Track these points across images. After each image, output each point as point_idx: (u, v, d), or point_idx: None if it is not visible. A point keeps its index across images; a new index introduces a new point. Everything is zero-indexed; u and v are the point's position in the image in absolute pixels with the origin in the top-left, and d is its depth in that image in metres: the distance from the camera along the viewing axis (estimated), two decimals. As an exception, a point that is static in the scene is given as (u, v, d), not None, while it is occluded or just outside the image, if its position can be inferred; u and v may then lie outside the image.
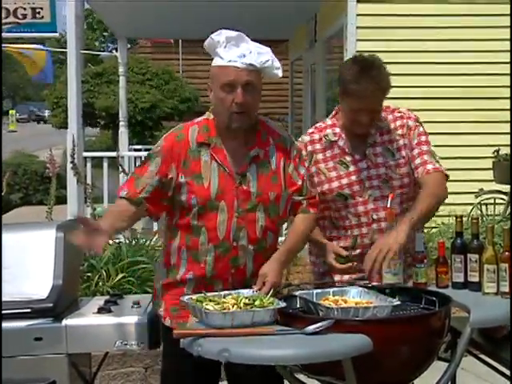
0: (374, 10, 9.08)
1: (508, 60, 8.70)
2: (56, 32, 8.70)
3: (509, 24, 8.47)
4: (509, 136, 7.79)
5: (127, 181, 3.40)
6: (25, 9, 8.36)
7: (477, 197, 8.51)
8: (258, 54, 3.26)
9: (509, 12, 8.43)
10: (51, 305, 3.32)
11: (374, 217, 3.67)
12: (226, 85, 3.21)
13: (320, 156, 3.72)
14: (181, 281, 3.32)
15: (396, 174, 3.68)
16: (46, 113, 53.41)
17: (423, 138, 3.70)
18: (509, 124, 8.10)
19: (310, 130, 3.82)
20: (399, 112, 3.77)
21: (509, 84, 8.20)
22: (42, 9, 8.32)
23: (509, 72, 8.46)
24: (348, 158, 3.70)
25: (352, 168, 3.69)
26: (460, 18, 8.99)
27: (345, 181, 3.67)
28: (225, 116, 3.26)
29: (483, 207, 8.64)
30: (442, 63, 8.75)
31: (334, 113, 3.82)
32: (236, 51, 3.24)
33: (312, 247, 3.88)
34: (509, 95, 8.30)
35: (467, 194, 8.21)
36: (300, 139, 3.80)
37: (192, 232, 3.29)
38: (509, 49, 8.62)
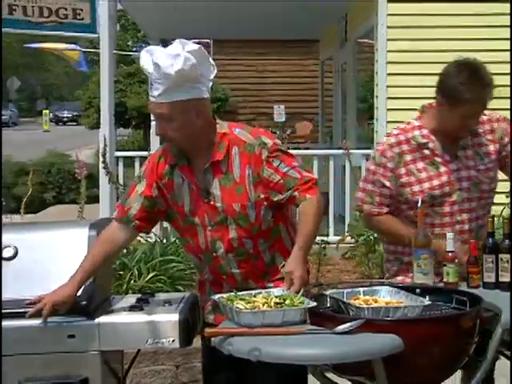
0: (404, 10, 9.04)
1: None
2: (95, 33, 8.85)
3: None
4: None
5: (119, 202, 3.66)
6: (66, 9, 8.57)
7: (508, 196, 8.43)
8: (164, 77, 3.20)
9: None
10: (84, 303, 3.33)
11: (458, 218, 3.67)
12: None
13: (409, 157, 3.68)
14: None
15: (486, 178, 3.71)
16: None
17: None
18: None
19: (395, 132, 3.77)
20: (485, 115, 3.73)
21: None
22: (82, 10, 8.52)
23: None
24: (438, 160, 3.68)
25: (443, 169, 3.67)
26: (493, 18, 8.92)
27: (435, 182, 3.65)
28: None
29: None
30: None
31: (418, 114, 3.79)
32: (149, 83, 3.28)
33: (389, 245, 3.89)
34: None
35: (498, 194, 8.12)
36: (384, 141, 3.80)
37: (186, 244, 3.55)
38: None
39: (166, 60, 3.18)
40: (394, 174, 3.68)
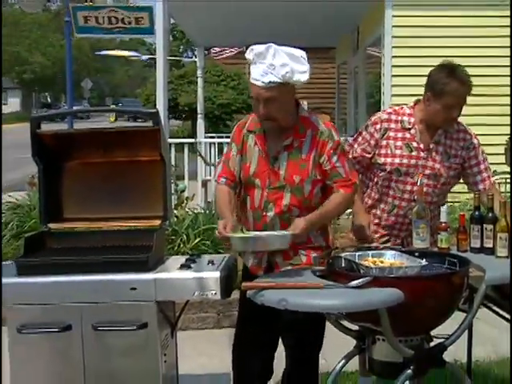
0: (407, 22, 8.95)
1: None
2: (153, 34, 9.02)
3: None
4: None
5: (222, 168, 3.52)
6: (129, 17, 8.76)
7: (492, 176, 8.35)
8: (281, 67, 3.15)
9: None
10: (145, 261, 3.36)
11: (415, 197, 3.66)
12: (253, 98, 3.28)
13: (392, 134, 3.72)
14: None
15: (445, 174, 3.70)
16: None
17: (485, 155, 3.81)
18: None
19: (389, 110, 3.82)
20: (463, 126, 3.78)
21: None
22: (142, 18, 8.69)
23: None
24: (414, 144, 3.70)
25: (414, 153, 3.69)
26: (483, 29, 8.83)
27: (405, 160, 3.68)
28: (259, 119, 3.35)
29: (497, 186, 8.49)
30: (466, 66, 8.59)
31: (412, 104, 3.80)
32: (260, 69, 3.19)
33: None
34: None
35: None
36: (378, 115, 3.82)
37: (243, 200, 3.46)
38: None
39: (279, 67, 3.14)
40: (376, 143, 3.73)
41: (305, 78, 3.19)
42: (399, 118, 3.74)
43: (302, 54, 3.23)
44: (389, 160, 3.69)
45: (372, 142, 3.75)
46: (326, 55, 17.79)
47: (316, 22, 11.42)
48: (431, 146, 3.70)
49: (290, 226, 3.24)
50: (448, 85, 3.54)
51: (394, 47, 9.00)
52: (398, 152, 3.69)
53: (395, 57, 8.96)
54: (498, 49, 8.73)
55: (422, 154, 3.69)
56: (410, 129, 3.71)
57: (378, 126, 3.74)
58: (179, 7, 9.78)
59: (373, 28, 10.27)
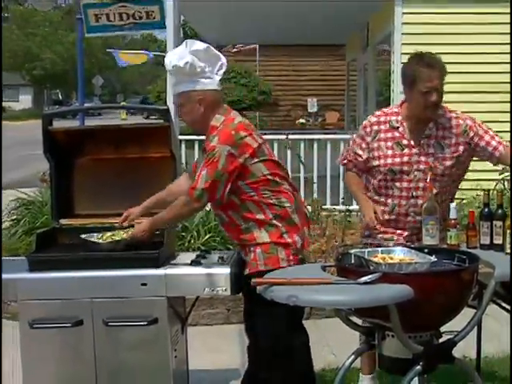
0: (416, 20, 8.95)
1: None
2: (165, 28, 9.00)
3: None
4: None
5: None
6: (140, 12, 8.75)
7: (500, 174, 8.33)
8: (169, 72, 3.33)
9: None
10: (155, 257, 3.37)
11: (414, 193, 3.66)
12: None
13: (383, 135, 3.72)
14: None
15: (441, 165, 3.66)
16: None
17: (485, 127, 3.70)
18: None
19: (378, 113, 3.83)
20: (455, 113, 3.73)
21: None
22: (153, 12, 8.69)
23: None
24: (404, 142, 3.69)
25: (406, 151, 3.68)
26: (490, 26, 8.80)
27: (397, 159, 3.67)
28: None
29: (506, 182, 8.46)
30: (473, 63, 8.59)
31: (400, 103, 3.80)
32: None
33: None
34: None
35: (492, 172, 8.04)
36: (368, 118, 3.83)
37: None
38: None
39: (166, 58, 3.31)
40: (368, 147, 3.75)
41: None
42: (387, 118, 3.75)
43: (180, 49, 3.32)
44: (382, 162, 3.70)
45: (363, 146, 3.77)
46: (336, 52, 17.79)
47: (326, 20, 11.43)
48: (422, 142, 3.68)
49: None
50: (416, 71, 3.55)
51: (403, 44, 8.98)
52: (389, 152, 3.69)
53: (405, 54, 8.94)
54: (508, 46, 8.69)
55: (413, 151, 3.67)
56: (398, 127, 3.70)
57: (368, 130, 3.76)
58: (189, 5, 9.78)
59: (382, 25, 10.25)
